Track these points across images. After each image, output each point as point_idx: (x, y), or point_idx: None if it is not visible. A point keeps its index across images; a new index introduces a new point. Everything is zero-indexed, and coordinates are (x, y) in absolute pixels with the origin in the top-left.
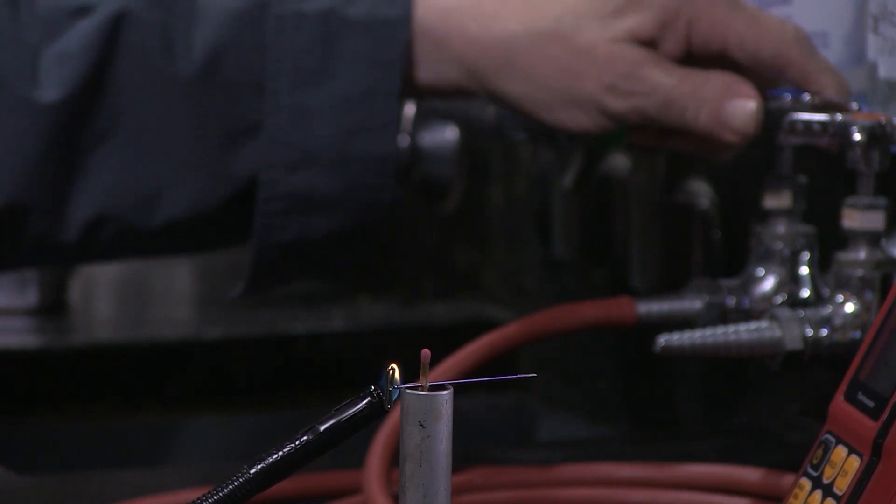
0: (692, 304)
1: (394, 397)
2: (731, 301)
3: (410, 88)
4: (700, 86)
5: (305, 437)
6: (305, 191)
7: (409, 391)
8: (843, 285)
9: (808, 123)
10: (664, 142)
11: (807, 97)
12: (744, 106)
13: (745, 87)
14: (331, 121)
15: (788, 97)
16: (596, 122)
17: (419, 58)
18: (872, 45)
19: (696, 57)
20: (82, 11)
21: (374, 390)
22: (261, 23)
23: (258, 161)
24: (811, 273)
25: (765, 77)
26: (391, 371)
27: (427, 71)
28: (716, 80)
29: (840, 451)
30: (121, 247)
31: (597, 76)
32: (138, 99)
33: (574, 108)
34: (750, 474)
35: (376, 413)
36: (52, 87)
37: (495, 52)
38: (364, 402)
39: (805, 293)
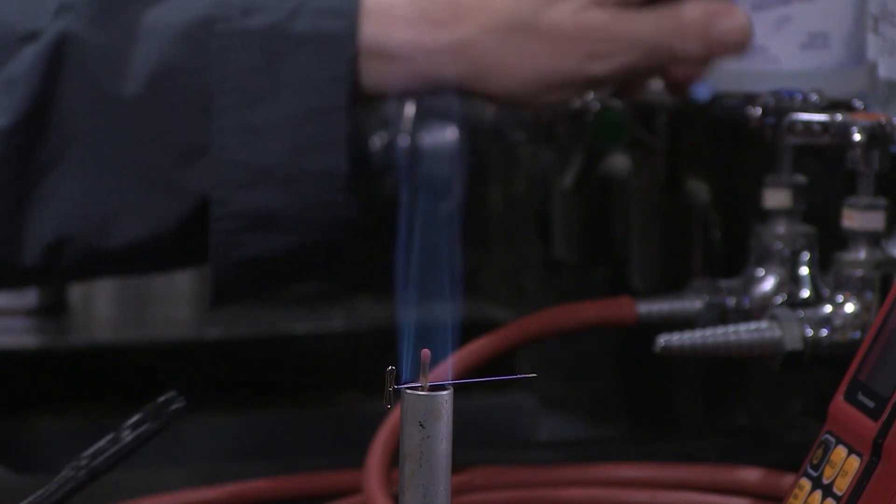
0: (692, 304)
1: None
2: (731, 301)
3: (366, 100)
4: (679, 21)
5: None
6: (258, 209)
7: (409, 391)
8: (843, 285)
9: (808, 123)
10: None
11: (814, 97)
12: (731, 21)
13: (722, 4)
14: (279, 139)
15: (790, 97)
16: (584, 90)
17: (370, 71)
18: (872, 45)
19: None
20: (30, 37)
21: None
22: (206, 41)
23: (209, 180)
24: (811, 273)
25: None
26: (391, 371)
27: (380, 81)
28: (692, 9)
29: (840, 452)
30: (83, 268)
31: (573, 51)
32: (87, 121)
33: (558, 88)
34: (750, 474)
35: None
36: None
37: (459, 59)
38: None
39: (805, 293)
